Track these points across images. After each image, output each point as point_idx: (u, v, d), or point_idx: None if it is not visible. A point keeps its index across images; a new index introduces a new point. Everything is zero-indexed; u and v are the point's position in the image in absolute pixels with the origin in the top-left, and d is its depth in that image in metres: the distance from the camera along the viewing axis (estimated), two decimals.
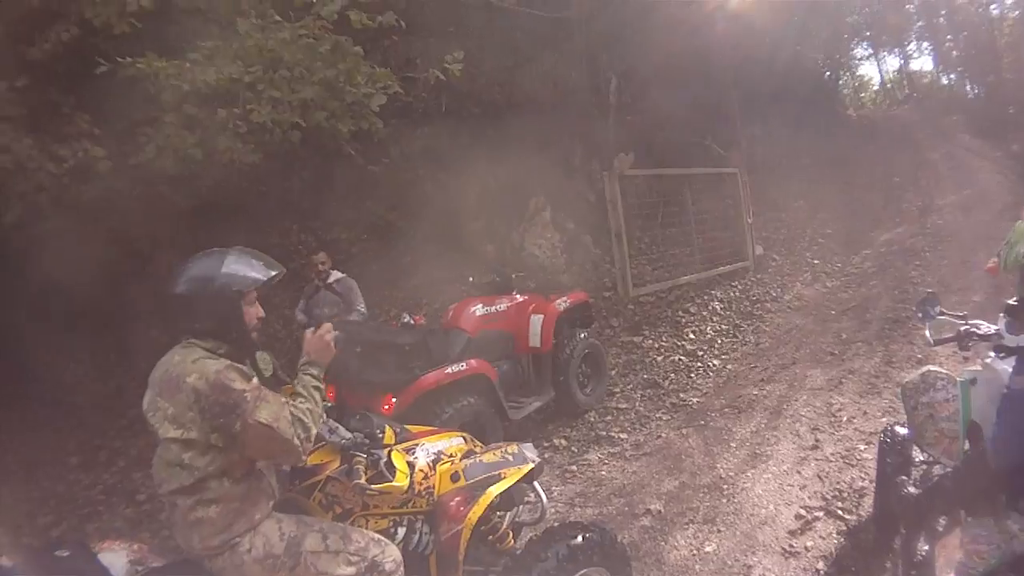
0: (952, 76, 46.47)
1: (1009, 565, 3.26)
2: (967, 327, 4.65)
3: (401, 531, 3.91)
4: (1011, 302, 3.81)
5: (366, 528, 3.73)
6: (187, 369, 3.19)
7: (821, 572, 5.50)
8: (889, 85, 50.32)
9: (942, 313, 5.00)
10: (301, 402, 3.29)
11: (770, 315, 13.58)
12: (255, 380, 3.24)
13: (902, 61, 50.32)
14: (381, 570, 3.53)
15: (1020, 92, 24.88)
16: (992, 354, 4.41)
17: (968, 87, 42.90)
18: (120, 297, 8.49)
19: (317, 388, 3.41)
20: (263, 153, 8.33)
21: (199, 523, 3.20)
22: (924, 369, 5.18)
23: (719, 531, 6.24)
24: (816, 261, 16.72)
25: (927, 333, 5.05)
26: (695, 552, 5.97)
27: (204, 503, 3.17)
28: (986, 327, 4.60)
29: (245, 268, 3.39)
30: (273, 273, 3.46)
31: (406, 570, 3.70)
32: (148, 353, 3.62)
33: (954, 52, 43.92)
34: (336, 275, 8.63)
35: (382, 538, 3.68)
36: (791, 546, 5.87)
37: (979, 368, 4.54)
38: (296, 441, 3.15)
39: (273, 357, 3.63)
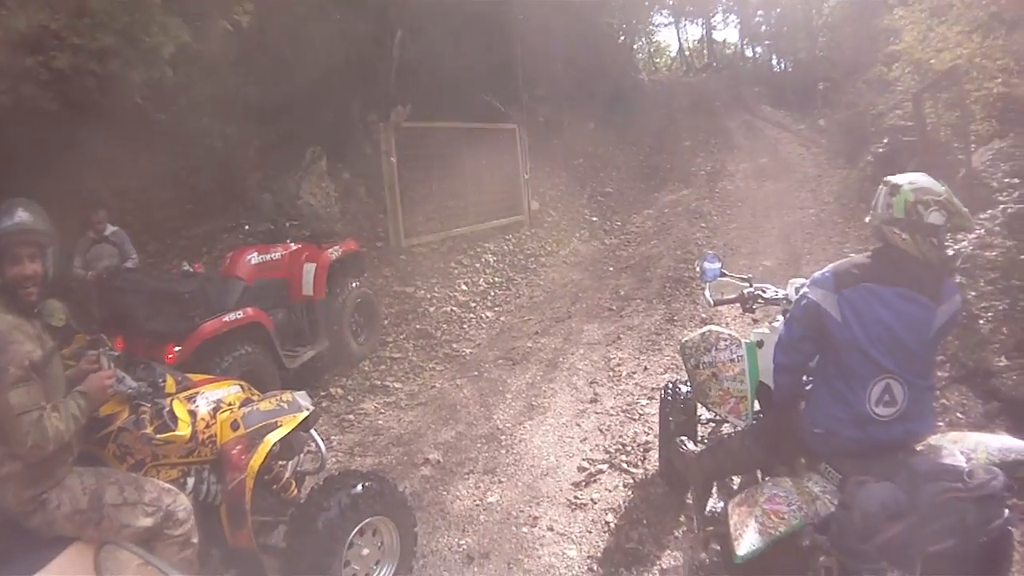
0: (759, 49, 47.88)
1: (815, 526, 3.28)
2: (752, 290, 4.84)
3: (191, 481, 3.92)
4: None
5: (158, 478, 3.71)
6: None
7: (611, 524, 5.56)
8: (687, 53, 51.09)
9: (724, 274, 5.09)
10: (55, 417, 3.17)
11: (544, 269, 13.85)
12: (34, 352, 3.18)
13: (704, 31, 51.11)
14: (175, 519, 3.54)
15: (833, 70, 25.87)
16: (780, 318, 4.61)
17: (774, 61, 44.46)
18: None
19: (75, 418, 3.27)
20: (59, 102, 8.04)
21: (6, 480, 3.17)
22: (705, 329, 5.26)
23: (500, 482, 6.33)
24: (595, 219, 17.01)
25: (706, 293, 5.16)
26: (478, 502, 6.03)
27: (8, 458, 3.14)
28: (773, 291, 4.81)
29: None
30: (22, 228, 3.29)
31: (200, 523, 3.72)
32: None
33: (763, 27, 45.14)
34: (111, 228, 8.40)
35: (172, 487, 3.67)
36: (576, 498, 5.96)
37: (766, 330, 4.72)
38: (28, 441, 3.07)
39: (66, 307, 3.56)
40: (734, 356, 4.83)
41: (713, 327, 5.24)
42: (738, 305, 4.96)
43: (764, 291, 4.83)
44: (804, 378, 3.91)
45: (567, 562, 5.18)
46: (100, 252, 8.14)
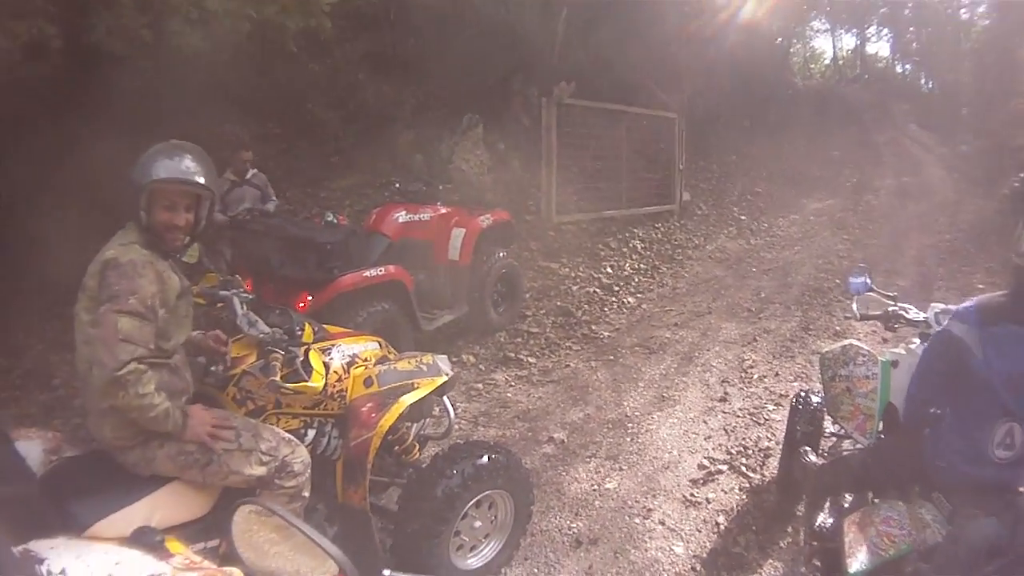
0: (908, 66, 46.89)
1: (920, 554, 3.28)
2: (896, 308, 4.70)
3: (311, 433, 3.85)
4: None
5: (277, 427, 3.64)
6: (109, 246, 3.12)
7: (721, 526, 5.48)
8: (841, 62, 50.51)
9: (871, 289, 4.99)
10: (156, 392, 3.05)
11: (690, 262, 13.60)
12: (160, 294, 3.13)
13: (858, 41, 50.52)
14: (290, 471, 3.46)
15: (976, 97, 25.20)
16: (917, 340, 4.48)
17: (923, 80, 43.32)
18: (63, 176, 8.14)
19: (160, 417, 3.07)
20: (211, 42, 8.00)
21: (108, 413, 3.09)
22: (846, 342, 5.14)
23: (621, 469, 6.22)
24: (743, 217, 16.75)
25: (854, 306, 5.04)
26: (596, 487, 5.94)
27: None
28: (915, 312, 4.64)
29: (155, 164, 3.21)
30: (184, 179, 3.24)
31: (312, 474, 3.63)
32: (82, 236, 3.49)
33: (914, 44, 44.20)
34: (251, 171, 8.41)
35: (293, 438, 3.60)
36: (693, 495, 5.86)
37: (903, 352, 4.55)
38: (115, 372, 2.92)
39: (200, 246, 3.53)
40: (869, 373, 4.69)
41: (854, 341, 5.09)
42: (879, 322, 4.85)
43: (907, 311, 4.69)
44: (933, 409, 3.73)
45: (672, 558, 5.10)
46: (242, 194, 8.13)
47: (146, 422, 3.05)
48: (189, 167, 3.24)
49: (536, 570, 4.92)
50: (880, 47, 68.28)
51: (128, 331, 2.96)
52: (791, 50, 39.17)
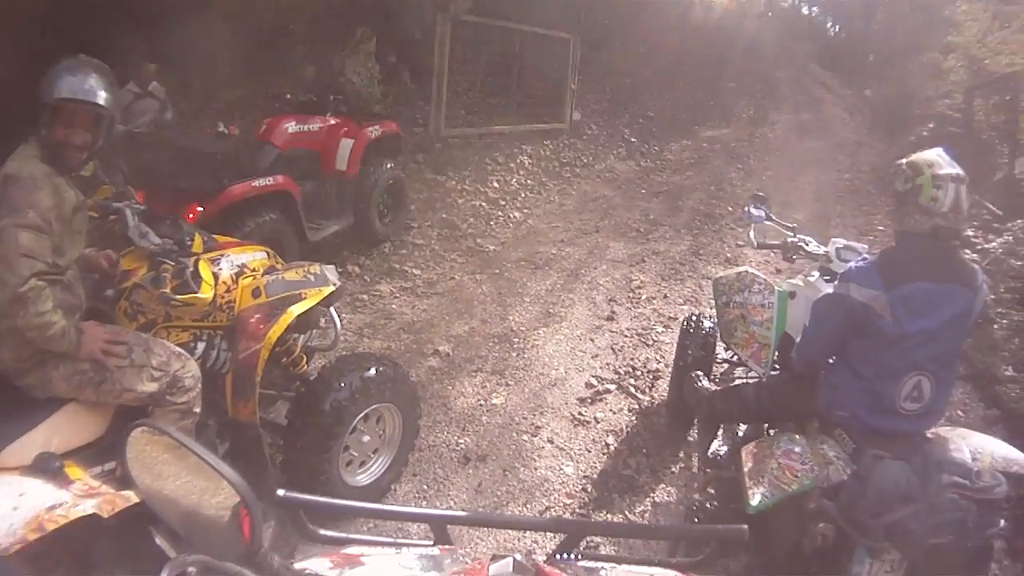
0: (815, 8, 46.84)
1: (823, 491, 3.25)
2: (795, 239, 4.73)
3: (201, 346, 3.86)
4: None
5: (168, 340, 3.65)
6: (12, 158, 3.12)
7: (611, 447, 5.58)
8: None
9: (770, 218, 5.00)
10: (54, 310, 3.05)
11: (578, 180, 13.71)
12: (57, 208, 3.11)
13: None
14: (181, 386, 3.48)
15: (884, 45, 25.55)
16: (816, 273, 4.55)
17: (829, 24, 43.38)
18: None
19: (57, 336, 3.07)
20: None
21: (5, 335, 3.12)
22: (741, 268, 5.19)
23: (508, 385, 6.35)
24: (634, 140, 16.75)
25: (751, 234, 5.01)
26: (483, 402, 6.05)
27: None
28: (815, 245, 4.69)
29: (59, 81, 3.18)
30: (85, 99, 3.20)
31: (203, 389, 3.65)
32: None
33: None
34: (153, 83, 8.27)
35: (183, 352, 3.61)
36: (581, 414, 5.98)
37: (800, 283, 4.63)
38: (18, 288, 2.93)
39: (98, 162, 3.51)
40: (765, 302, 4.76)
41: (749, 268, 5.15)
42: (776, 252, 4.89)
43: (807, 243, 4.71)
44: (830, 360, 3.82)
45: (562, 478, 5.20)
46: (144, 107, 8.00)
47: (43, 341, 3.07)
48: (92, 86, 3.21)
49: (425, 487, 5.00)
50: None
51: (29, 246, 2.96)
52: None
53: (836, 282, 3.75)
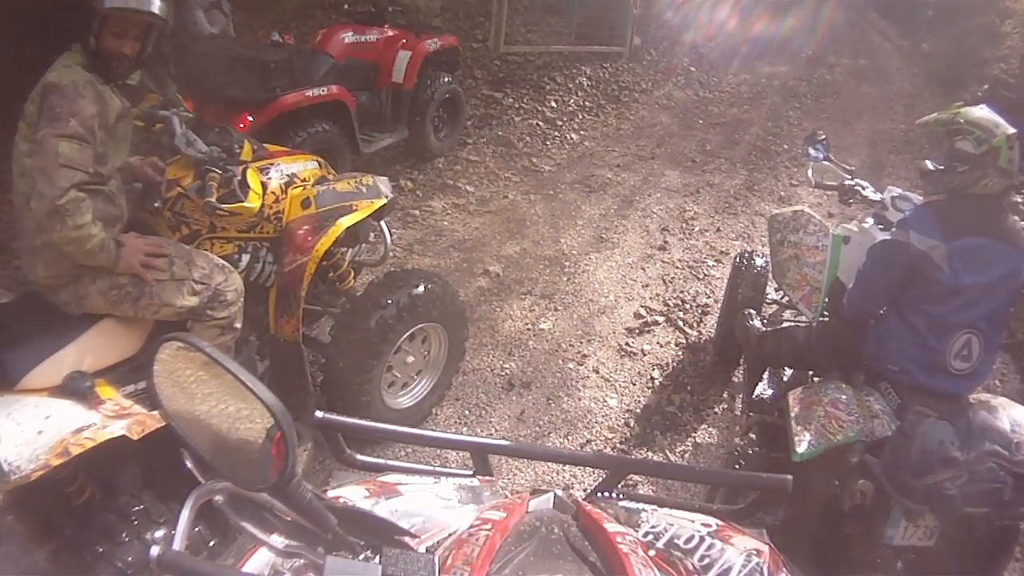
0: None
1: (866, 445, 3.27)
2: (852, 183, 4.63)
3: (245, 258, 3.80)
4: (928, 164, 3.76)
5: (211, 252, 3.59)
6: (53, 68, 3.03)
7: (656, 381, 5.56)
8: None
9: (829, 159, 4.88)
10: (93, 222, 2.97)
11: (636, 105, 13.42)
12: (99, 116, 3.02)
13: None
14: (223, 300, 3.43)
15: (943, 1, 25.02)
16: (871, 220, 4.42)
17: None
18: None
19: (95, 249, 3.00)
20: None
21: (41, 249, 3.06)
22: (797, 207, 5.10)
23: (556, 310, 6.32)
24: (693, 69, 16.42)
25: (809, 172, 4.97)
26: (530, 327, 6.02)
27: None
28: (872, 191, 4.59)
29: None
30: (140, 8, 3.09)
31: (245, 304, 3.60)
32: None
33: None
34: None
35: (227, 264, 3.55)
36: (628, 345, 5.95)
37: (855, 229, 4.50)
38: (56, 200, 2.84)
39: (144, 71, 3.44)
40: (820, 244, 4.66)
41: (806, 208, 5.03)
42: (833, 193, 4.81)
43: (864, 188, 4.62)
44: (881, 311, 3.76)
45: (605, 410, 5.19)
46: (214, 17, 7.95)
47: (81, 255, 3.00)
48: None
49: (467, 412, 5.00)
50: None
51: (69, 155, 2.89)
52: None
53: (893, 229, 3.70)
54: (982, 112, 3.44)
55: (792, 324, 4.95)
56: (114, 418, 2.79)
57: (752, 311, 5.09)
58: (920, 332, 3.44)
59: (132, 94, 3.30)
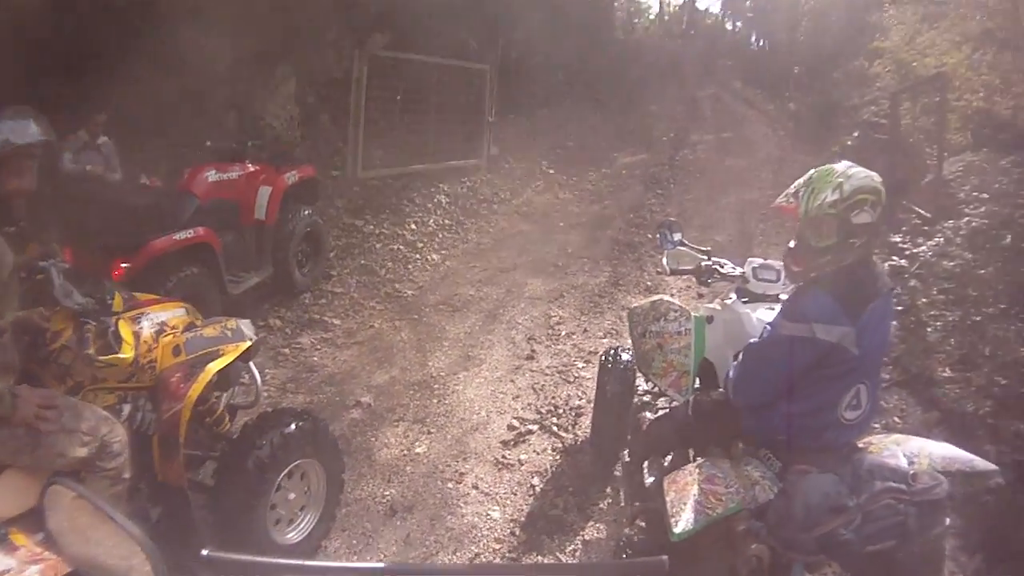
0: (739, 23, 47.06)
1: (752, 512, 3.25)
2: (709, 263, 4.71)
3: (127, 408, 3.79)
4: (792, 245, 3.68)
5: (95, 404, 3.59)
6: None
7: (537, 488, 5.61)
8: (667, 17, 50.08)
9: (683, 243, 4.93)
10: None
11: (495, 216, 13.73)
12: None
13: None
14: (109, 451, 3.42)
15: (811, 56, 25.98)
16: (733, 296, 4.50)
17: (752, 38, 43.72)
18: None
19: None
20: None
21: None
22: (656, 297, 5.20)
23: (430, 432, 6.35)
24: (551, 171, 16.79)
25: (664, 260, 5.03)
26: (406, 452, 6.06)
27: None
28: (731, 267, 4.66)
29: (7, 130, 3.17)
30: (42, 139, 3.25)
31: (132, 452, 3.59)
32: None
33: (747, 0, 44.90)
34: (103, 138, 8.23)
35: (110, 416, 3.55)
36: (504, 457, 6.01)
37: (717, 307, 4.61)
38: None
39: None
40: (682, 329, 4.76)
41: (664, 297, 5.19)
42: (690, 278, 4.94)
43: (721, 266, 4.70)
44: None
45: (490, 523, 5.22)
46: (91, 158, 7.97)
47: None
48: (36, 131, 3.25)
49: (355, 541, 4.99)
50: (711, 2, 68.44)
51: None
52: (615, 3, 38.97)
53: (786, 320, 3.44)
54: (858, 171, 3.38)
55: (669, 409, 4.93)
56: (29, 563, 2.80)
57: (641, 402, 5.23)
58: (813, 400, 3.39)
59: (11, 242, 3.36)
